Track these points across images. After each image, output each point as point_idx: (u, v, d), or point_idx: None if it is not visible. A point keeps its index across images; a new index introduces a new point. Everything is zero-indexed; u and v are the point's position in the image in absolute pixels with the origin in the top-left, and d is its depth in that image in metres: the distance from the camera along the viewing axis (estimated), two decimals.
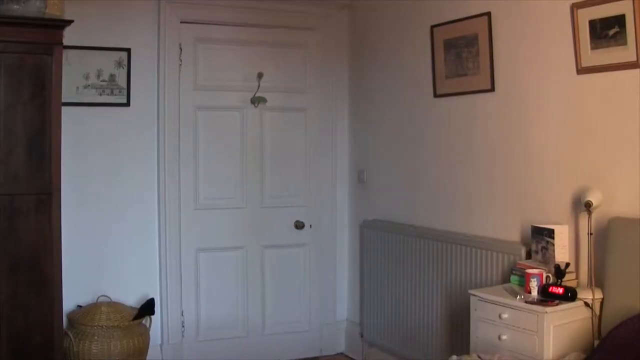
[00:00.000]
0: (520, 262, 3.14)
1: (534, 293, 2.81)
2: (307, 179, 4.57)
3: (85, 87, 3.92)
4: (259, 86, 4.27)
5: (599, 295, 2.80)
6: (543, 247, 3.02)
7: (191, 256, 4.27)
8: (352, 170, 4.66)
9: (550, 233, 2.97)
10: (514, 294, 2.88)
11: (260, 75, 4.29)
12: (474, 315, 2.99)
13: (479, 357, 2.65)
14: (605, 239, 2.82)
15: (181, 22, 4.18)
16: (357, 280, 4.56)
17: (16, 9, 3.24)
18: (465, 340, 3.07)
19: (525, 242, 3.27)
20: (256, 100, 4.28)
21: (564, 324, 2.71)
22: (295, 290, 4.54)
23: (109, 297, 3.91)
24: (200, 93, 4.24)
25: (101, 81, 3.96)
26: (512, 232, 3.39)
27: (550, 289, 2.78)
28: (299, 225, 4.50)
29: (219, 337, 4.30)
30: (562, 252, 2.95)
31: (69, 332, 3.68)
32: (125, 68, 4.01)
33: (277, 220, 4.47)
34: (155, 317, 4.07)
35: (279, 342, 4.42)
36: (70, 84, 3.79)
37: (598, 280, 2.83)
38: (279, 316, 4.48)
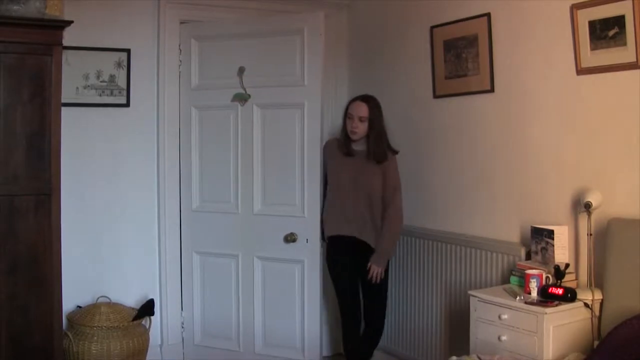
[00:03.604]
0: (520, 263, 3.14)
1: (534, 294, 2.82)
2: (303, 184, 3.97)
3: (85, 87, 3.92)
4: (242, 82, 4.07)
5: (598, 296, 2.80)
6: (543, 248, 3.02)
7: (191, 258, 4.26)
8: None
9: (550, 234, 2.97)
10: (514, 295, 2.88)
11: (241, 70, 4.06)
12: (473, 315, 2.99)
13: (479, 357, 2.65)
14: (604, 239, 2.82)
15: (181, 23, 4.17)
16: None
17: (16, 10, 3.24)
18: (465, 340, 3.07)
19: (525, 243, 3.27)
20: (240, 97, 4.06)
21: (564, 324, 2.72)
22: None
23: (108, 298, 3.91)
24: (200, 93, 4.21)
25: (101, 82, 3.96)
26: (511, 232, 3.39)
27: (549, 290, 2.78)
28: (290, 239, 3.97)
29: (218, 341, 4.25)
30: (561, 253, 2.95)
31: (68, 333, 3.68)
32: (125, 69, 4.01)
33: (267, 231, 4.03)
34: (155, 318, 4.07)
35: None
36: (70, 84, 3.78)
37: (598, 281, 2.83)
38: (272, 337, 4.13)
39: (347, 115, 3.71)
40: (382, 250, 3.68)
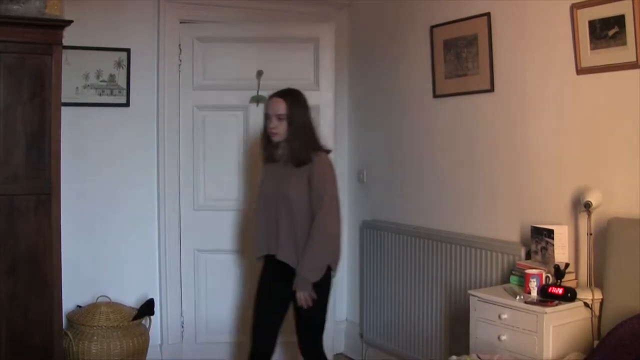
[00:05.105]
0: (520, 263, 3.14)
1: (534, 293, 2.82)
2: None
3: (85, 87, 3.92)
4: (259, 85, 4.21)
5: (598, 295, 2.80)
6: (543, 248, 3.02)
7: (191, 257, 4.27)
8: (351, 170, 4.65)
9: (550, 233, 2.97)
10: (514, 294, 2.88)
11: (260, 74, 4.22)
12: (473, 315, 2.99)
13: (479, 357, 2.65)
14: (604, 239, 2.82)
15: (181, 22, 4.18)
16: (357, 280, 4.56)
17: (16, 9, 3.25)
18: (465, 340, 3.07)
19: (524, 243, 3.27)
20: (256, 100, 4.21)
21: (564, 324, 2.72)
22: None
23: (108, 298, 3.91)
24: (200, 93, 4.23)
25: (101, 81, 3.96)
26: (511, 232, 3.39)
27: (549, 289, 2.78)
28: None
29: (219, 340, 4.26)
30: (561, 253, 2.95)
31: (68, 333, 3.68)
32: (125, 68, 4.01)
33: None
34: (155, 318, 4.07)
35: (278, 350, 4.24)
36: (70, 84, 3.79)
37: (597, 280, 2.83)
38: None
39: (265, 115, 3.26)
40: (299, 272, 3.13)
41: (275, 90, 3.28)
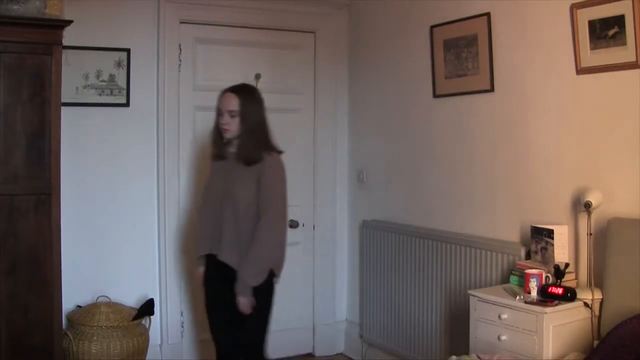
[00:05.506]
0: (520, 263, 3.14)
1: (534, 293, 2.82)
2: (305, 178, 4.51)
3: (85, 87, 3.92)
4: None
5: (598, 295, 2.80)
6: (542, 248, 3.02)
7: (190, 257, 4.27)
8: (351, 170, 4.66)
9: (550, 233, 2.97)
10: (514, 294, 2.88)
11: (257, 77, 4.25)
12: (473, 315, 2.99)
13: (479, 357, 2.65)
14: (604, 239, 2.82)
15: (180, 22, 4.18)
16: (357, 280, 4.56)
17: (16, 9, 3.25)
18: (465, 340, 3.07)
19: (524, 243, 3.27)
20: None
21: (564, 324, 2.72)
22: (291, 289, 4.27)
23: (108, 298, 3.91)
24: (199, 93, 4.23)
25: (101, 81, 3.96)
26: (511, 232, 3.39)
27: (549, 289, 2.78)
28: (293, 225, 4.35)
29: None
30: (561, 253, 2.95)
31: (68, 333, 3.68)
32: (125, 68, 4.01)
33: None
34: (155, 318, 4.07)
35: (273, 340, 4.26)
36: (70, 84, 3.78)
37: (597, 280, 2.83)
38: (275, 314, 4.32)
39: (216, 109, 3.14)
40: (240, 276, 3.00)
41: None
